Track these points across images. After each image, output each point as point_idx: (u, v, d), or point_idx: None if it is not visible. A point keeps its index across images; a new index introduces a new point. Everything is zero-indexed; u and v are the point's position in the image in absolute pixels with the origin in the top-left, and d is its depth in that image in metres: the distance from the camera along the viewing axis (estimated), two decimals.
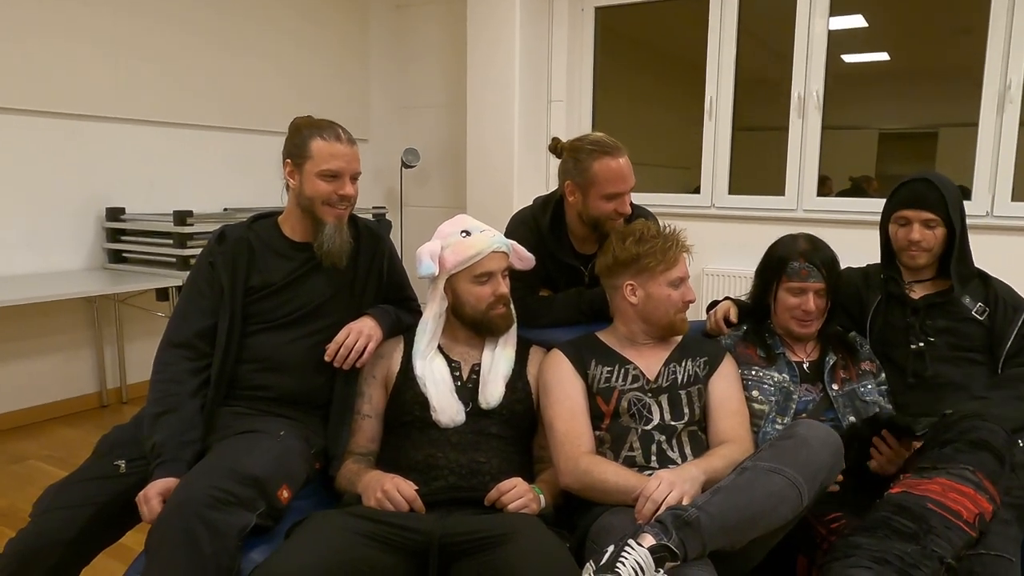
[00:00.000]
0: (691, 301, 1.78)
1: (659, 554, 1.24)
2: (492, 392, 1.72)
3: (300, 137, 1.75)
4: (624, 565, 1.21)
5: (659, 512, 1.38)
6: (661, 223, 1.86)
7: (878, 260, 2.06)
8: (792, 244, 1.85)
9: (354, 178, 1.78)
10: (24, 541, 1.46)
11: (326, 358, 1.73)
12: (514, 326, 1.83)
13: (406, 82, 5.20)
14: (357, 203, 1.83)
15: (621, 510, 1.49)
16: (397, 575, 1.38)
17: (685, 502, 1.40)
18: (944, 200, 1.84)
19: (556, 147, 2.03)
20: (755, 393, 1.80)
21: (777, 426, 1.75)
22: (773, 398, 1.78)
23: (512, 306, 1.83)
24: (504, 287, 1.78)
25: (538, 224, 2.05)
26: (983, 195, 3.58)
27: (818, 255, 1.82)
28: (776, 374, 1.81)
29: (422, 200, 5.20)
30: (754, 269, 1.95)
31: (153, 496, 1.45)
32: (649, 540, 1.26)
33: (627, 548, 1.24)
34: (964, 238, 1.89)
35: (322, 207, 1.75)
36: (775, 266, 1.85)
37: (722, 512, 1.32)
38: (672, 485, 1.43)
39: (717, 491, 1.38)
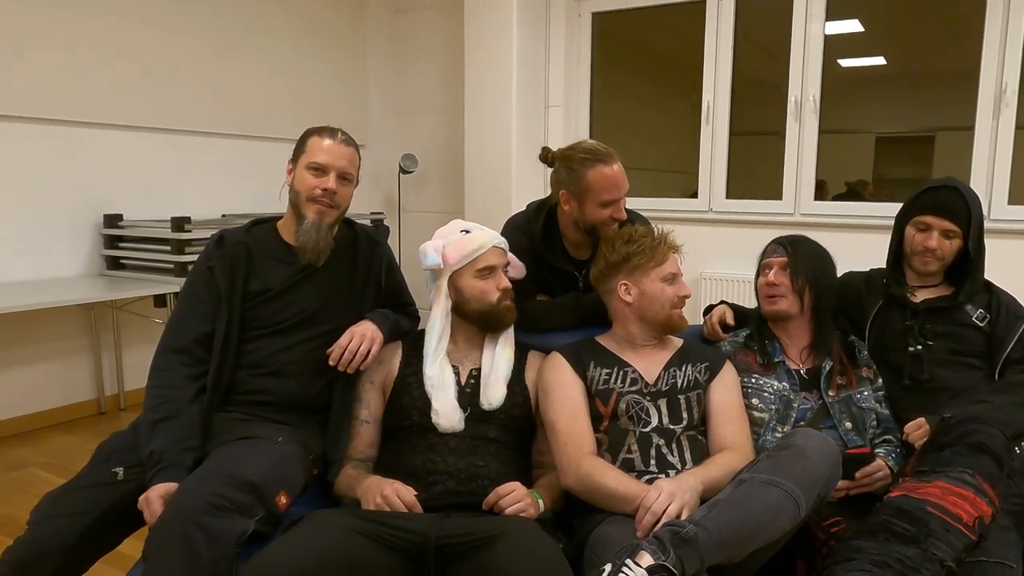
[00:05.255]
0: (686, 296, 1.79)
1: (657, 574, 1.23)
2: (494, 393, 1.72)
3: (302, 137, 1.80)
4: None
5: (658, 525, 1.37)
6: (654, 227, 1.87)
7: (873, 264, 2.06)
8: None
9: (343, 177, 1.78)
10: (22, 549, 1.45)
11: (330, 362, 1.73)
12: (512, 325, 1.84)
13: (404, 88, 5.21)
14: (355, 209, 1.83)
15: (620, 520, 1.48)
16: (392, 574, 1.37)
17: (684, 514, 1.40)
18: (969, 213, 1.85)
19: (547, 156, 2.03)
20: (755, 401, 1.79)
21: (777, 434, 1.75)
22: (773, 406, 1.78)
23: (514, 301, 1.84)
24: (506, 281, 1.80)
25: (531, 230, 2.05)
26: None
27: (788, 238, 1.90)
28: (776, 382, 1.81)
29: (420, 206, 5.20)
30: (751, 274, 1.96)
31: (155, 499, 1.45)
32: (647, 559, 1.25)
33: (625, 568, 1.23)
34: (981, 256, 1.89)
35: (306, 202, 1.76)
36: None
37: (719, 527, 1.31)
38: (672, 496, 1.42)
39: (715, 505, 1.37)
